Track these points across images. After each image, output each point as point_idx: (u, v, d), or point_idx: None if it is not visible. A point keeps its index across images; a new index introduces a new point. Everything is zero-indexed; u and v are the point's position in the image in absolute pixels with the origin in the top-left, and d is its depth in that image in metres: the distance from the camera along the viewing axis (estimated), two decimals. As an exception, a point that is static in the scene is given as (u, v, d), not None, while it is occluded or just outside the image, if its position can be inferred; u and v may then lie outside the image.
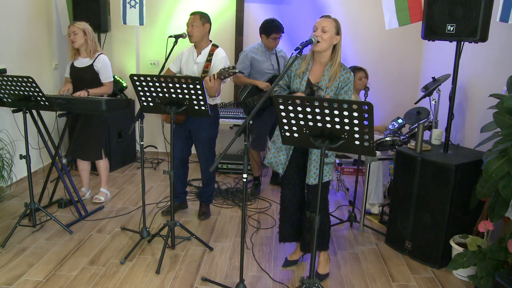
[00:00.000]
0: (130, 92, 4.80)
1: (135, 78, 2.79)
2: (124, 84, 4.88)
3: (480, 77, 3.59)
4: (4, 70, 3.90)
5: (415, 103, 4.05)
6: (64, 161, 3.70)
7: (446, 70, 3.64)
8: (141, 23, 4.49)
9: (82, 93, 3.55)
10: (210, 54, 3.40)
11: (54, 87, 4.80)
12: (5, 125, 3.99)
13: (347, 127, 2.05)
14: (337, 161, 4.42)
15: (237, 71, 3.11)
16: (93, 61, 3.69)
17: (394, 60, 5.15)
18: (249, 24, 5.17)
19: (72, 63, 3.73)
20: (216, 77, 3.11)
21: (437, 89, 3.62)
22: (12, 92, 3.08)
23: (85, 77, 3.68)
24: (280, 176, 2.92)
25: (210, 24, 3.45)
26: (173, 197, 3.06)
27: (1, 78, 3.00)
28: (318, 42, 2.50)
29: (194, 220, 3.70)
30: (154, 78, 2.75)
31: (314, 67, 2.64)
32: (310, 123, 2.12)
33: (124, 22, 4.47)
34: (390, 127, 3.99)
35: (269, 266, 3.00)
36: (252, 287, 2.75)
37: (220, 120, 4.80)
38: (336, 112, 2.01)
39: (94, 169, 4.20)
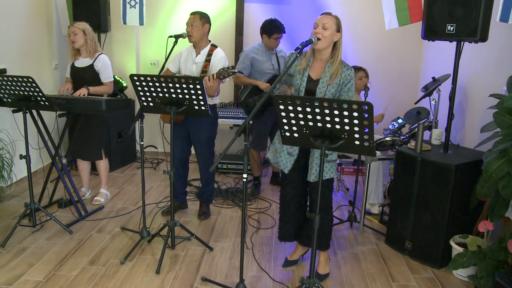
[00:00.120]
0: (130, 92, 4.80)
1: (135, 78, 2.79)
2: (124, 84, 4.89)
3: (480, 77, 3.59)
4: (4, 70, 3.90)
5: (415, 103, 4.05)
6: (64, 161, 3.71)
7: (446, 70, 3.64)
8: (141, 23, 4.49)
9: (82, 91, 3.55)
10: (209, 54, 3.41)
11: (54, 87, 4.80)
12: (5, 125, 4.00)
13: (347, 127, 2.05)
14: (338, 161, 4.42)
15: (236, 71, 3.11)
16: (94, 61, 3.69)
17: (394, 60, 5.15)
18: (249, 24, 5.17)
19: (73, 63, 3.74)
20: (215, 77, 3.11)
21: (437, 89, 3.62)
22: (12, 92, 3.08)
23: (85, 77, 3.68)
24: (280, 176, 2.92)
25: (210, 24, 3.45)
26: (173, 197, 3.06)
27: (1, 78, 3.00)
28: (319, 39, 2.50)
29: (194, 220, 3.70)
30: (154, 78, 2.75)
31: (315, 63, 2.64)
32: (310, 123, 2.12)
33: (124, 22, 4.47)
34: (390, 127, 3.99)
35: (269, 266, 3.00)
36: (252, 287, 2.75)
37: (220, 120, 4.83)
38: (336, 112, 2.01)
39: (94, 169, 4.20)
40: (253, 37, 5.08)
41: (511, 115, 2.42)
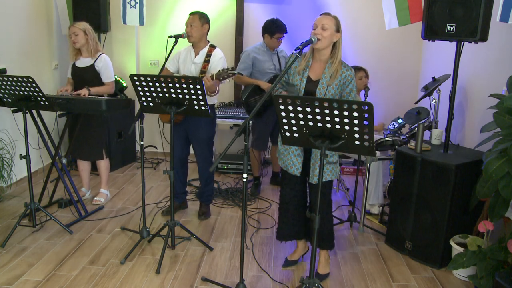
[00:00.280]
0: (130, 92, 4.80)
1: (135, 78, 2.79)
2: (124, 84, 4.88)
3: (480, 77, 3.59)
4: (4, 70, 3.90)
5: (415, 103, 4.05)
6: (64, 161, 3.71)
7: (446, 70, 3.64)
8: (141, 23, 4.49)
9: (83, 91, 3.55)
10: (208, 55, 3.41)
11: (54, 87, 4.80)
12: (5, 125, 3.99)
13: (347, 127, 2.05)
14: (339, 161, 4.42)
15: (236, 72, 3.11)
16: (95, 61, 3.69)
17: (394, 60, 5.15)
18: (249, 24, 5.17)
19: (74, 63, 3.74)
20: (214, 78, 3.11)
21: (437, 89, 3.62)
22: (12, 92, 3.08)
23: (86, 77, 3.69)
24: (280, 176, 2.92)
25: (209, 25, 3.45)
26: (173, 197, 3.06)
27: (1, 78, 3.00)
28: (318, 40, 2.50)
29: (194, 220, 3.70)
30: (154, 78, 2.75)
31: (314, 64, 2.64)
32: (310, 123, 2.12)
33: (124, 22, 4.47)
34: (390, 127, 3.99)
35: (269, 266, 3.00)
36: (252, 287, 2.75)
37: (220, 120, 4.84)
38: (336, 112, 2.01)
39: (94, 169, 4.20)
40: (253, 37, 5.08)
41: (511, 115, 2.42)
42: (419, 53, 5.12)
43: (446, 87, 3.48)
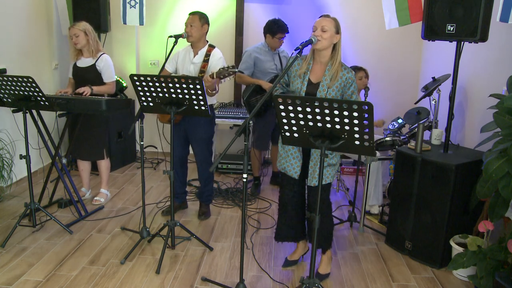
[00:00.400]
0: (130, 92, 4.80)
1: (135, 78, 2.79)
2: (124, 84, 4.88)
3: (480, 77, 3.59)
4: (4, 70, 3.90)
5: (415, 103, 4.05)
6: (64, 161, 3.70)
7: (446, 70, 3.64)
8: (141, 23, 4.49)
9: (86, 89, 3.55)
10: (207, 55, 3.41)
11: (54, 87, 4.80)
12: (5, 125, 3.99)
13: (347, 127, 2.05)
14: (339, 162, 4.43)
15: (236, 70, 3.11)
16: (96, 61, 3.69)
17: (394, 60, 5.15)
18: (249, 24, 5.17)
19: (75, 63, 3.74)
20: (215, 77, 3.11)
21: (437, 89, 3.62)
22: (12, 92, 3.08)
23: (87, 77, 3.69)
24: (280, 176, 2.92)
25: (209, 25, 3.46)
26: (173, 197, 3.06)
27: (1, 78, 3.00)
28: (318, 40, 2.51)
29: (194, 220, 3.70)
30: (154, 78, 2.75)
31: (315, 67, 2.64)
32: (310, 123, 2.12)
33: (124, 22, 4.47)
34: (390, 127, 3.99)
35: (269, 266, 3.00)
36: (252, 287, 2.75)
37: (220, 120, 4.83)
38: (336, 112, 2.01)
39: (94, 169, 4.20)
40: (253, 37, 5.08)
41: (511, 115, 2.42)
42: (419, 53, 5.12)
43: (446, 87, 3.48)
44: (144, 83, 2.80)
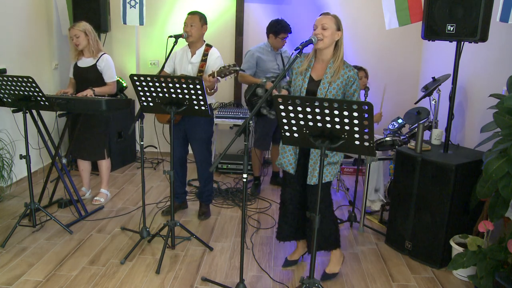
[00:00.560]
0: (130, 92, 4.80)
1: (135, 78, 2.79)
2: (124, 84, 4.88)
3: (480, 77, 3.59)
4: (4, 70, 3.90)
5: (415, 103, 4.05)
6: (64, 161, 3.70)
7: (446, 70, 3.64)
8: (141, 23, 4.49)
9: (87, 92, 3.55)
10: (205, 54, 3.42)
11: (54, 87, 4.80)
12: (5, 125, 3.99)
13: (347, 127, 2.05)
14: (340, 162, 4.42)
15: (238, 68, 3.11)
16: (97, 61, 3.70)
17: (394, 60, 5.15)
18: (249, 24, 5.17)
19: (76, 63, 3.74)
20: (216, 75, 3.11)
21: (437, 89, 3.62)
22: (12, 92, 3.08)
23: (88, 77, 3.69)
24: (280, 176, 2.91)
25: (207, 25, 3.46)
26: (173, 197, 3.06)
27: (1, 78, 3.00)
28: (319, 40, 2.50)
29: (194, 220, 3.70)
30: (154, 78, 2.75)
31: (316, 64, 2.64)
32: (310, 123, 2.12)
33: (124, 22, 4.47)
34: (390, 127, 3.99)
35: (269, 266, 3.00)
36: (252, 287, 2.75)
37: (220, 120, 4.84)
38: (336, 112, 2.01)
39: (94, 169, 4.20)
40: (253, 37, 5.08)
41: (511, 115, 2.42)
42: (419, 53, 5.11)
43: (446, 87, 3.48)
44: (144, 83, 2.80)
